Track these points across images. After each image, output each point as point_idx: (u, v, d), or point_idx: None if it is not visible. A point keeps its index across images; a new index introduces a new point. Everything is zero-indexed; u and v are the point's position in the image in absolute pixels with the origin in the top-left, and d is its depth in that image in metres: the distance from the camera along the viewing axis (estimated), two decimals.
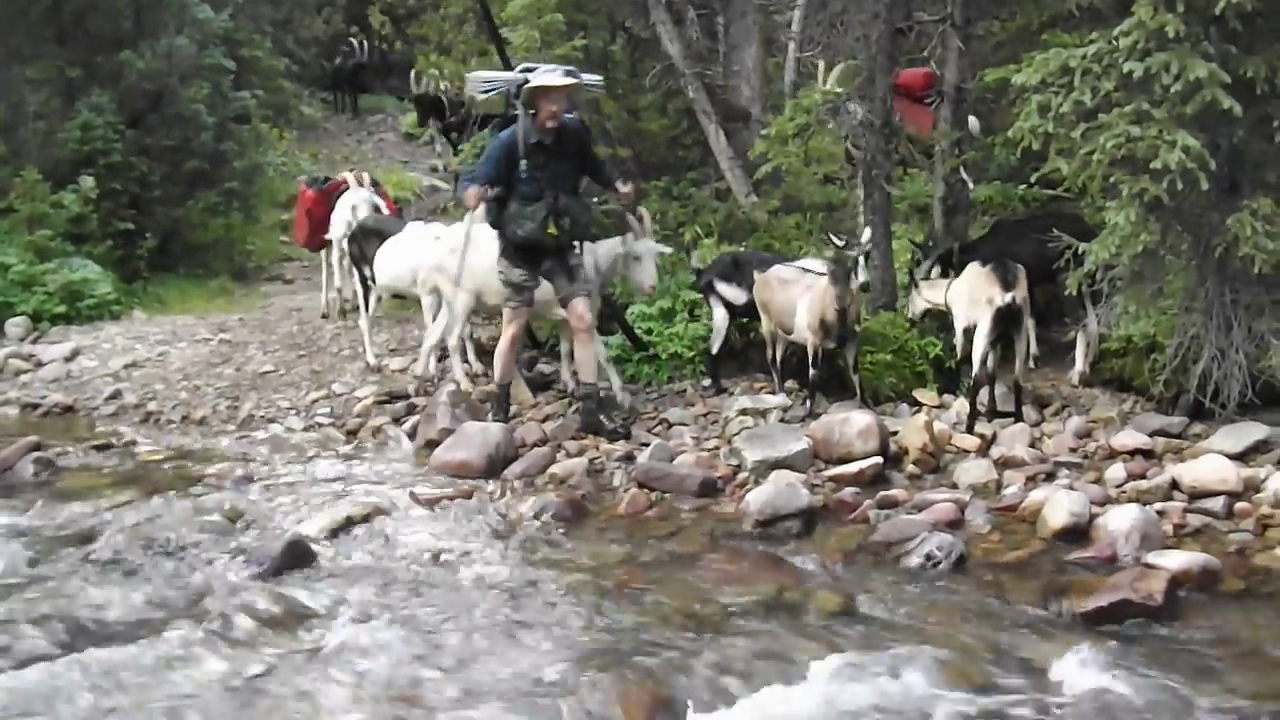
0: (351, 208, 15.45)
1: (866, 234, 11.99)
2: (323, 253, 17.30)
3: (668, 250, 12.57)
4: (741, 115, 15.77)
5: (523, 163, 10.86)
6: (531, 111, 10.90)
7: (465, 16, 17.51)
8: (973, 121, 13.79)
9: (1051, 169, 10.13)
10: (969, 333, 11.26)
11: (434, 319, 13.07)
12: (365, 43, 30.37)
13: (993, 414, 11.19)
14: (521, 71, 11.20)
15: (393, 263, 13.67)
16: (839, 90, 12.75)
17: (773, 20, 17.98)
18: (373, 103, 31.76)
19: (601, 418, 11.40)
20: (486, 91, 11.51)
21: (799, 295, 11.51)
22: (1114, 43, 9.45)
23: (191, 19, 21.92)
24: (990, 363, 11.08)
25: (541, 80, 10.67)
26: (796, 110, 12.59)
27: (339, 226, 15.78)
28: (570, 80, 10.82)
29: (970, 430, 10.96)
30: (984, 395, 11.19)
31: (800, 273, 11.72)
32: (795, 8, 17.21)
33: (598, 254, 12.07)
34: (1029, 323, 11.18)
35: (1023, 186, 15.07)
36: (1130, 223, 9.55)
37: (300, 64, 30.13)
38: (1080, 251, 10.13)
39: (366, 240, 14.40)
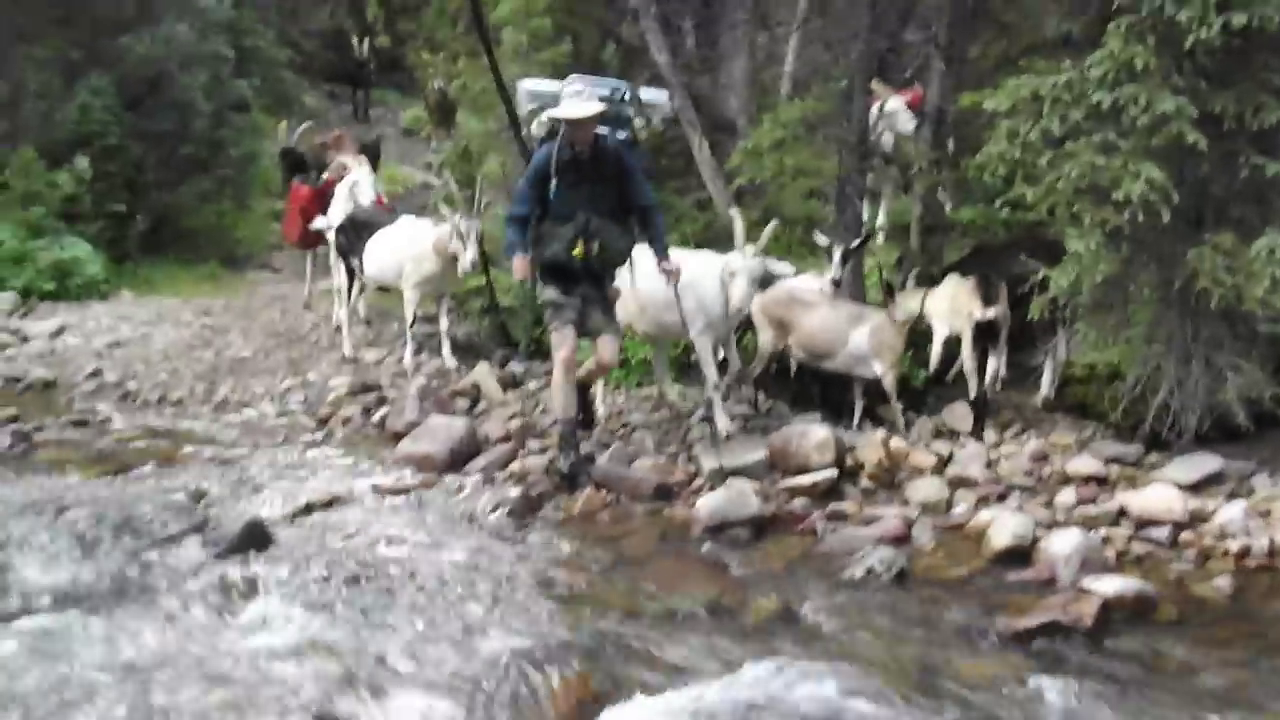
0: (352, 185, 15.68)
1: (837, 252, 12.04)
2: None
3: (785, 268, 11.65)
4: (727, 126, 15.89)
5: (554, 181, 10.20)
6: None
7: (458, 15, 17.60)
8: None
9: (1017, 194, 10.24)
10: (948, 343, 11.42)
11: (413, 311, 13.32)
12: (367, 40, 30.23)
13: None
14: (567, 84, 10.85)
15: (382, 254, 13.82)
16: (820, 106, 12.89)
17: (766, 33, 18.09)
18: (374, 96, 31.81)
19: (560, 456, 10.58)
20: (533, 106, 11.27)
21: (847, 324, 11.56)
22: (1085, 73, 9.60)
23: (193, 6, 22.13)
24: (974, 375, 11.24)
25: (562, 113, 10.12)
26: (774, 124, 12.73)
27: (339, 211, 15.88)
28: (593, 111, 10.03)
29: (979, 436, 11.20)
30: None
31: (822, 294, 11.84)
32: (789, 22, 17.29)
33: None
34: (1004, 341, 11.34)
35: (1004, 210, 15.17)
36: (1091, 251, 9.68)
37: (304, 55, 30.20)
38: (1045, 278, 10.25)
39: (356, 231, 14.51)
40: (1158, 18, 9.34)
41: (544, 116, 10.08)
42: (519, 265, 10.37)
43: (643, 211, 10.47)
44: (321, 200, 16.44)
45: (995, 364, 11.44)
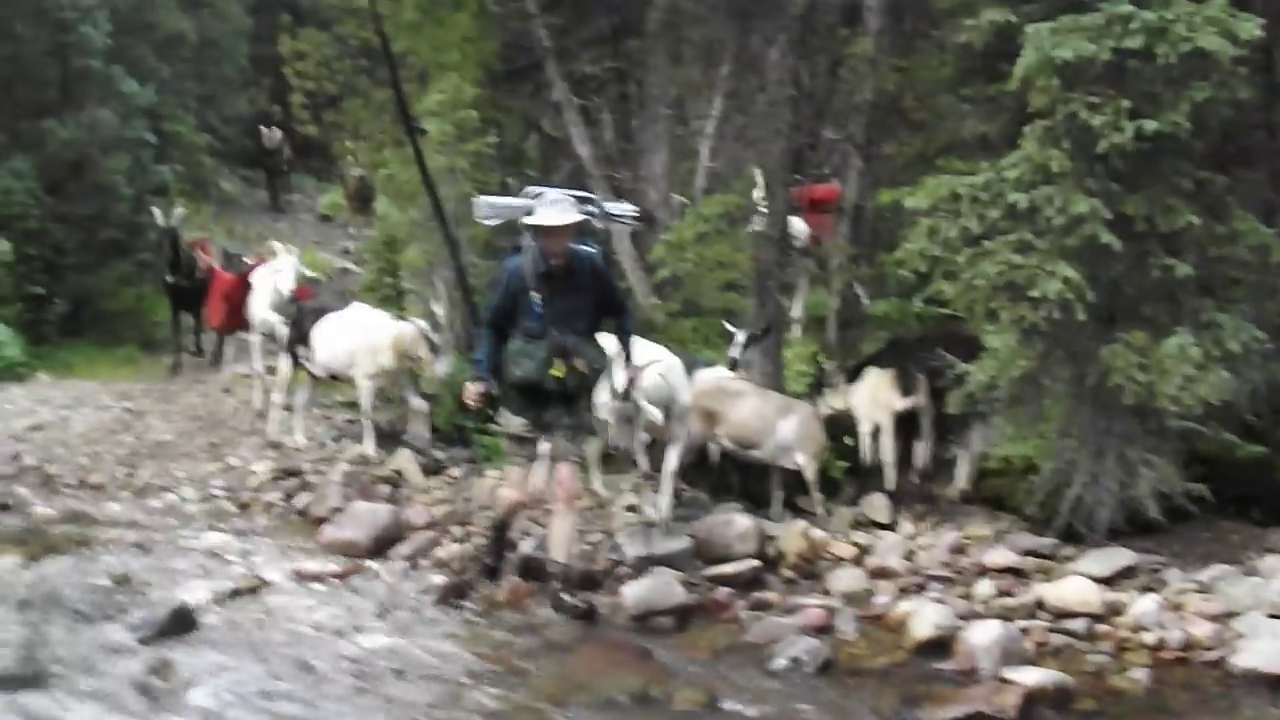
0: (275, 273, 15.62)
1: (740, 335, 12.24)
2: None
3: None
4: (647, 219, 16.09)
5: (533, 294, 9.33)
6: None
7: (384, 107, 17.76)
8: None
9: (936, 291, 10.46)
10: (873, 435, 11.64)
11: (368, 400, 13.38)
12: (275, 129, 29.96)
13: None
14: (533, 198, 9.64)
15: (334, 342, 13.84)
16: (739, 201, 13.13)
17: (683, 127, 18.34)
18: (293, 182, 31.78)
19: (564, 596, 9.52)
20: (489, 218, 10.35)
21: (775, 415, 11.74)
22: (1001, 174, 9.86)
23: (116, 92, 22.17)
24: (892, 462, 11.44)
25: (538, 220, 9.24)
26: (696, 218, 12.94)
27: (264, 298, 15.89)
28: (570, 219, 9.31)
29: (894, 526, 11.45)
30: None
31: (749, 384, 12.01)
32: (707, 117, 17.55)
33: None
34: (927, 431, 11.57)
35: (919, 304, 15.42)
36: (1009, 348, 9.92)
37: (223, 140, 30.21)
38: (963, 372, 10.45)
39: (305, 319, 14.44)
40: (1072, 122, 9.63)
41: (521, 222, 9.45)
42: (473, 392, 9.80)
43: (619, 314, 9.94)
44: (244, 287, 16.46)
45: (924, 453, 11.63)
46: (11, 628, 8.88)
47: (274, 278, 15.55)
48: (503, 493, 10.07)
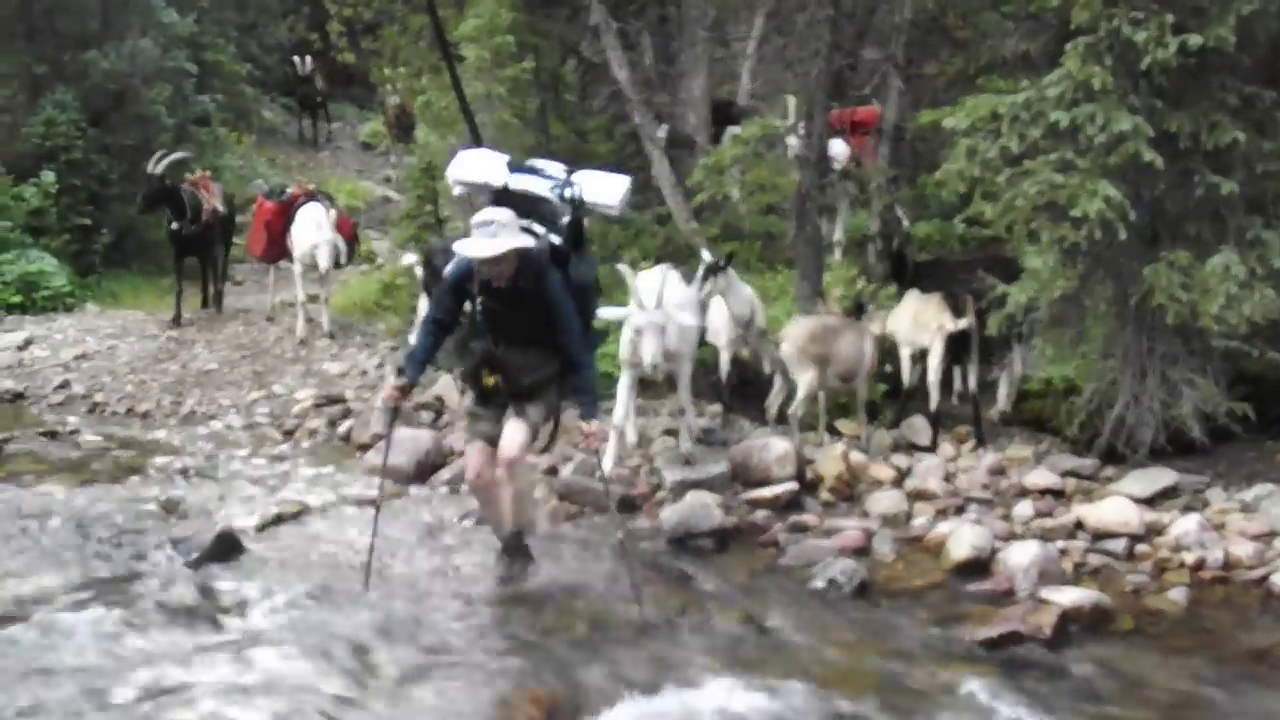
0: (313, 246, 15.62)
1: (706, 255, 11.88)
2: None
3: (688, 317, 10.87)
4: (686, 143, 16.01)
5: (479, 300, 8.40)
6: None
7: (421, 33, 17.68)
8: None
9: (975, 212, 10.39)
10: (914, 359, 11.58)
11: None
12: (308, 58, 28.82)
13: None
14: (509, 169, 8.97)
15: None
16: (779, 123, 13.02)
17: (723, 49, 18.25)
18: (333, 109, 31.63)
19: (504, 563, 8.94)
20: (456, 186, 9.37)
21: (862, 342, 11.57)
22: (1042, 92, 9.75)
23: (156, 22, 22.25)
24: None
25: (466, 251, 8.19)
26: (735, 141, 12.86)
27: (305, 239, 15.87)
28: (501, 251, 8.08)
29: (935, 448, 11.36)
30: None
31: (836, 316, 11.93)
32: (747, 39, 17.45)
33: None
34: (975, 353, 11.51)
35: (961, 225, 15.32)
36: (1049, 268, 9.85)
37: (263, 69, 30.11)
38: (1004, 294, 10.39)
39: (436, 257, 13.89)
40: (1115, 38, 9.51)
41: (454, 248, 8.43)
42: (388, 389, 8.86)
43: (566, 354, 8.50)
44: (285, 214, 16.40)
45: (972, 376, 11.57)
46: (64, 553, 9.05)
47: (308, 249, 15.75)
48: (467, 473, 9.04)
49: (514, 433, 8.54)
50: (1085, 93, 9.61)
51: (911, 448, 11.47)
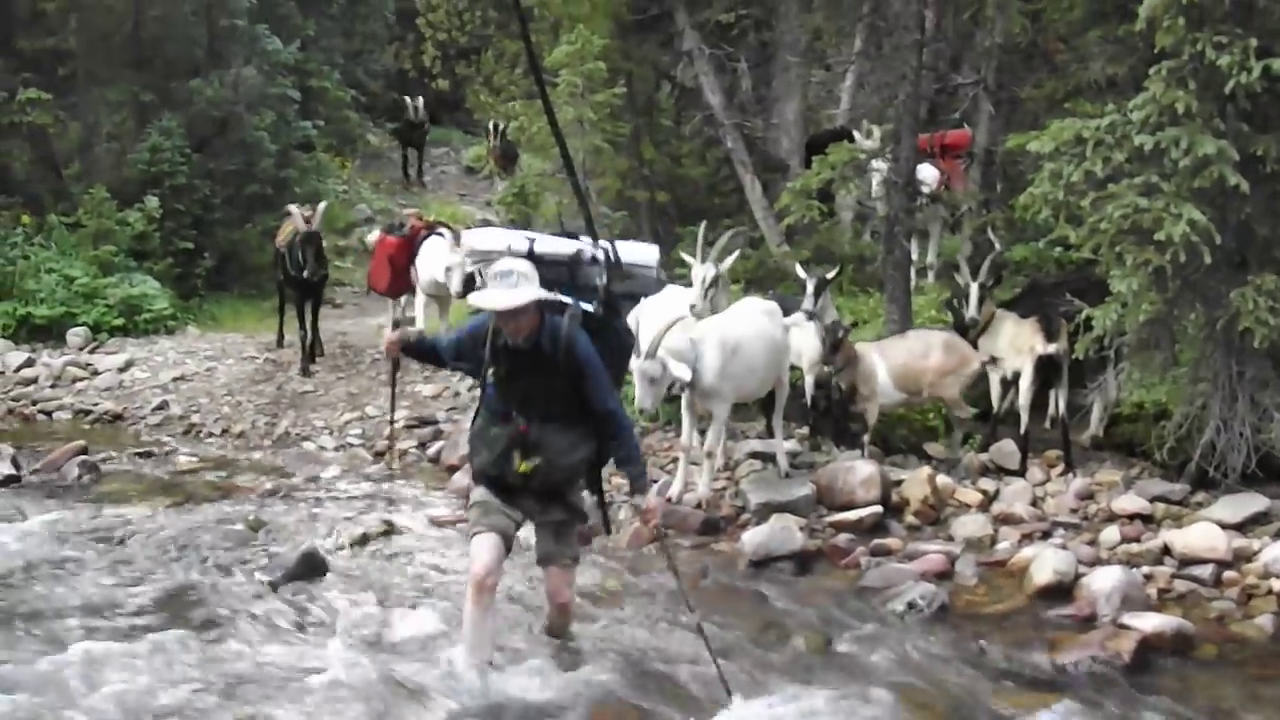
0: (446, 269, 14.66)
1: (810, 283, 11.72)
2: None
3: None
4: (779, 166, 16.05)
5: (489, 370, 7.47)
6: None
7: (516, 60, 17.87)
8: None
9: (1060, 235, 10.35)
10: (1005, 382, 11.52)
11: None
12: (420, 99, 28.27)
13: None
14: (526, 238, 7.85)
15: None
16: (865, 150, 13.03)
17: (821, 72, 18.30)
18: (438, 135, 31.74)
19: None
20: (476, 265, 8.83)
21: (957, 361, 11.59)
22: (1127, 115, 9.70)
23: (261, 50, 22.58)
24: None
25: (482, 302, 7.38)
26: (823, 165, 12.88)
27: (430, 271, 15.27)
28: (520, 302, 7.17)
29: (1023, 472, 11.27)
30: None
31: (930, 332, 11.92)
32: (845, 64, 17.48)
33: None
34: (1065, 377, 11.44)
35: (1058, 249, 15.21)
36: (1134, 291, 9.77)
37: (369, 95, 30.45)
38: (1088, 317, 10.34)
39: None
40: (1199, 63, 9.44)
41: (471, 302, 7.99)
42: (386, 342, 8.15)
43: (602, 421, 7.49)
44: (409, 249, 15.87)
45: (1062, 400, 11.50)
46: (154, 571, 9.27)
47: (439, 271, 14.94)
48: (470, 571, 7.61)
49: (561, 577, 7.75)
50: (1170, 116, 9.54)
51: (1000, 471, 11.41)
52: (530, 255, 7.55)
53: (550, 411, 7.33)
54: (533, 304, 7.17)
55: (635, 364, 9.87)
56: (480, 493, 7.60)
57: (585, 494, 7.89)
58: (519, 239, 7.79)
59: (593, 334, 7.44)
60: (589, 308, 7.55)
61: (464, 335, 7.70)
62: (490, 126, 24.49)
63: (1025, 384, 11.35)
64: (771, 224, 15.09)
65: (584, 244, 7.74)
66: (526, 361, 7.30)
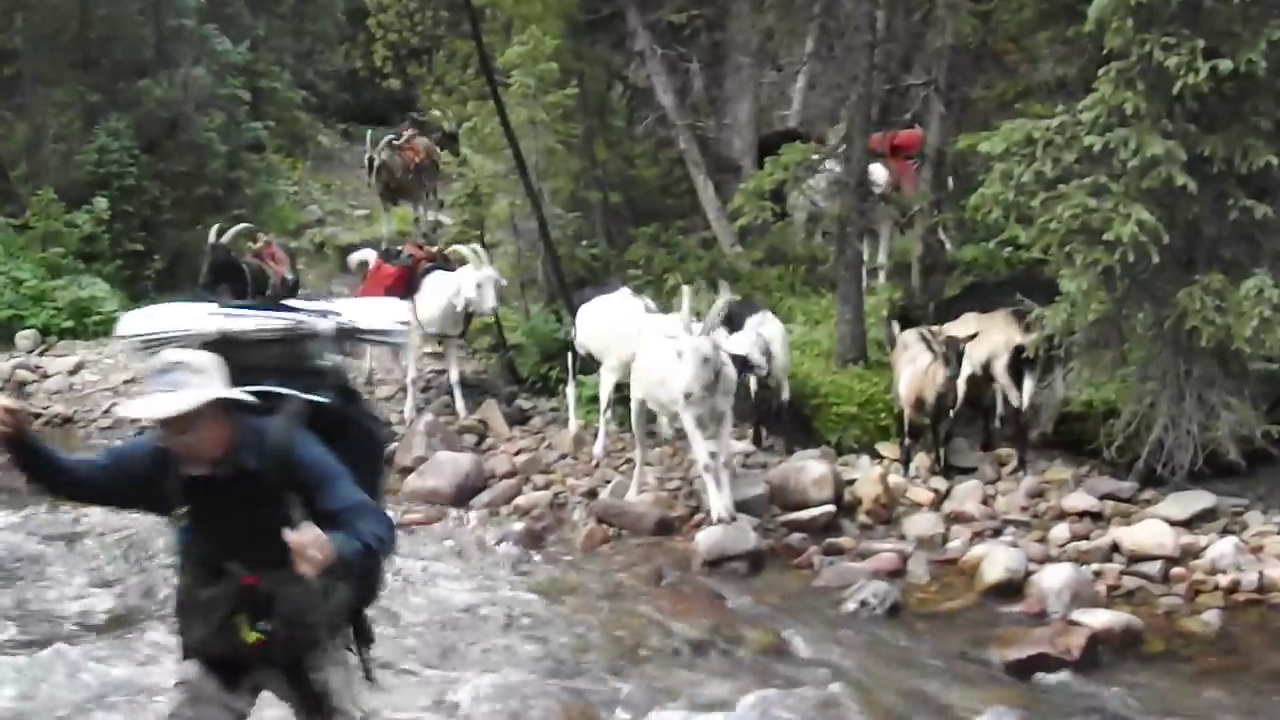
0: (477, 286, 13.57)
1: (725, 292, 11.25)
2: None
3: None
4: (732, 167, 16.07)
5: (178, 511, 4.94)
6: None
7: (468, 60, 17.81)
8: None
9: (1010, 235, 10.42)
10: (970, 381, 11.43)
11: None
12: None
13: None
14: (211, 315, 5.28)
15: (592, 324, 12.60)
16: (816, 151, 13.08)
17: (774, 73, 18.34)
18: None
19: None
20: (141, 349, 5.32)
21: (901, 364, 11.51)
22: (1077, 117, 9.79)
23: (210, 50, 22.45)
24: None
25: (126, 411, 5.84)
26: (775, 166, 12.92)
27: (435, 301, 14.20)
28: (178, 410, 4.66)
29: (1023, 467, 11.29)
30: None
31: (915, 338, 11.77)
32: (796, 65, 17.53)
33: None
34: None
35: (1007, 249, 15.26)
36: (1083, 291, 9.86)
37: (320, 95, 30.33)
38: (1038, 316, 10.42)
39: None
40: (1148, 64, 9.53)
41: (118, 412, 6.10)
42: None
43: (343, 517, 4.75)
44: (407, 282, 14.56)
45: (1026, 395, 11.47)
46: (105, 570, 9.28)
47: (469, 289, 13.76)
48: None
49: None
50: (1119, 117, 9.64)
51: (952, 469, 11.45)
52: (223, 341, 5.15)
53: (281, 551, 4.49)
54: (208, 408, 4.75)
55: (688, 342, 9.79)
56: (189, 670, 5.05)
57: (349, 651, 5.32)
58: (201, 317, 5.28)
59: (328, 433, 5.07)
60: (321, 398, 5.14)
61: (128, 456, 5.17)
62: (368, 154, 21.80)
63: (1000, 371, 11.19)
64: (724, 225, 15.12)
65: (304, 314, 5.43)
66: (228, 491, 4.86)
